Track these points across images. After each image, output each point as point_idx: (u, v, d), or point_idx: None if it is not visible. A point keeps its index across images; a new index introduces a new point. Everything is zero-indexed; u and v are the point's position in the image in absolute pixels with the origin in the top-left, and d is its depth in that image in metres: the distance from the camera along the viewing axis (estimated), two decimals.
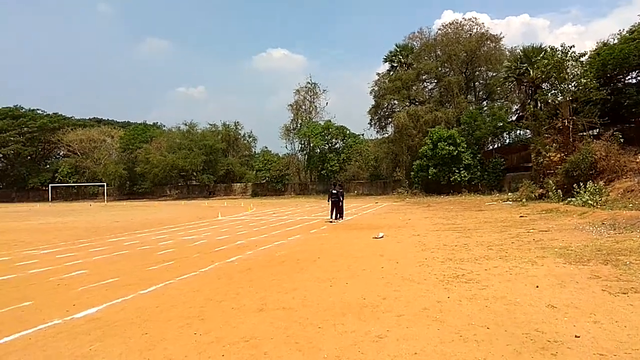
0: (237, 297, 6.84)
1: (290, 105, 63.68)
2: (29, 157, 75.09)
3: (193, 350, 4.66)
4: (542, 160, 26.79)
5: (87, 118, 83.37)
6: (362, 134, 60.23)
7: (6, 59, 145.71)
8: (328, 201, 20.56)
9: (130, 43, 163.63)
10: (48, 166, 76.66)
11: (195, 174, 64.38)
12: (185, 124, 68.51)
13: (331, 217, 20.04)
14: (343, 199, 20.52)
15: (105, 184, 65.00)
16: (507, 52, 46.25)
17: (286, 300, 6.58)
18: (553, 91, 29.09)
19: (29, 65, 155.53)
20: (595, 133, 26.51)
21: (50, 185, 67.80)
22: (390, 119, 51.60)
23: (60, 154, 76.16)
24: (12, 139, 71.16)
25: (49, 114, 77.30)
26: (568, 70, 27.18)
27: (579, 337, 4.58)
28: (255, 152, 72.91)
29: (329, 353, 4.43)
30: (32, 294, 7.53)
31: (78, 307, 6.53)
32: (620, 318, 5.13)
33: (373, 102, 53.16)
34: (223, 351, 4.60)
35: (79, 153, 70.30)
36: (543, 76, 28.74)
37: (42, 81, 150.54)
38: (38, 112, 76.86)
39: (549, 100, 28.42)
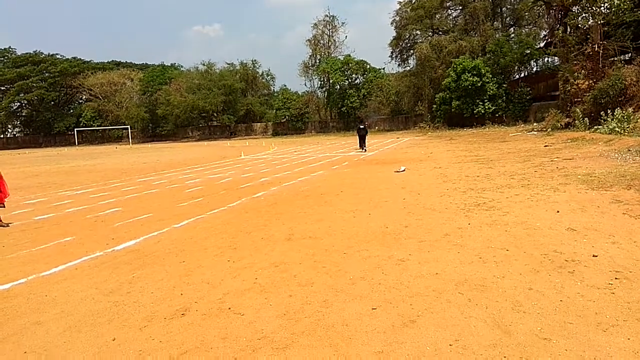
0: (265, 229, 7.17)
1: (308, 40, 62.12)
2: (52, 103, 76.22)
3: (228, 275, 5.01)
4: (569, 88, 25.90)
5: (106, 61, 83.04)
6: (383, 68, 58.59)
7: (23, 4, 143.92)
8: (357, 135, 24.89)
9: None
10: (72, 111, 77.75)
11: (215, 114, 64.53)
12: (204, 64, 67.88)
13: (360, 148, 23.90)
14: (367, 133, 24.87)
15: (128, 127, 65.88)
16: None
17: (312, 230, 6.88)
18: (584, 14, 27.53)
19: (45, 10, 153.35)
20: (627, 58, 25.31)
21: (75, 129, 69.12)
22: (412, 51, 49.92)
23: (83, 98, 76.87)
24: (34, 84, 72.18)
25: (68, 59, 77.41)
26: None
27: (596, 256, 4.74)
28: (274, 90, 72.13)
29: (354, 275, 4.72)
30: (72, 230, 8.02)
31: (117, 241, 6.96)
32: (639, 239, 5.25)
33: (394, 34, 51.39)
34: (256, 275, 4.94)
35: (100, 97, 70.84)
36: None
37: (59, 26, 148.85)
38: (57, 57, 77.08)
39: (579, 25, 26.97)
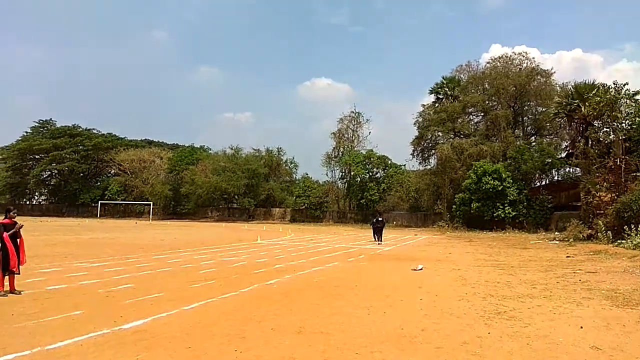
0: (276, 319, 6.97)
1: (333, 133, 64.36)
2: (81, 174, 78.78)
3: None
4: (591, 199, 25.81)
5: (139, 139, 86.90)
6: (404, 165, 59.71)
7: (66, 81, 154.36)
8: (372, 228, 26.11)
9: (183, 69, 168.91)
10: (99, 183, 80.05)
11: (236, 197, 65.64)
12: (231, 148, 70.46)
13: (375, 239, 24.72)
14: (384, 226, 25.83)
15: (151, 203, 67.15)
16: (557, 88, 44.98)
17: (324, 324, 6.66)
18: (605, 129, 28.20)
19: (88, 87, 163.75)
20: None
21: (99, 202, 70.68)
22: (433, 151, 51.03)
23: (111, 172, 79.39)
24: (67, 156, 75.13)
25: (103, 134, 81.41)
26: (621, 109, 26.38)
27: None
28: (296, 178, 73.63)
29: None
30: (83, 303, 7.94)
31: (125, 319, 6.83)
32: None
33: (417, 133, 52.79)
34: None
35: (128, 172, 73.18)
36: (595, 113, 27.90)
37: (98, 103, 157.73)
38: (94, 131, 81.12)
39: (601, 139, 27.53)
